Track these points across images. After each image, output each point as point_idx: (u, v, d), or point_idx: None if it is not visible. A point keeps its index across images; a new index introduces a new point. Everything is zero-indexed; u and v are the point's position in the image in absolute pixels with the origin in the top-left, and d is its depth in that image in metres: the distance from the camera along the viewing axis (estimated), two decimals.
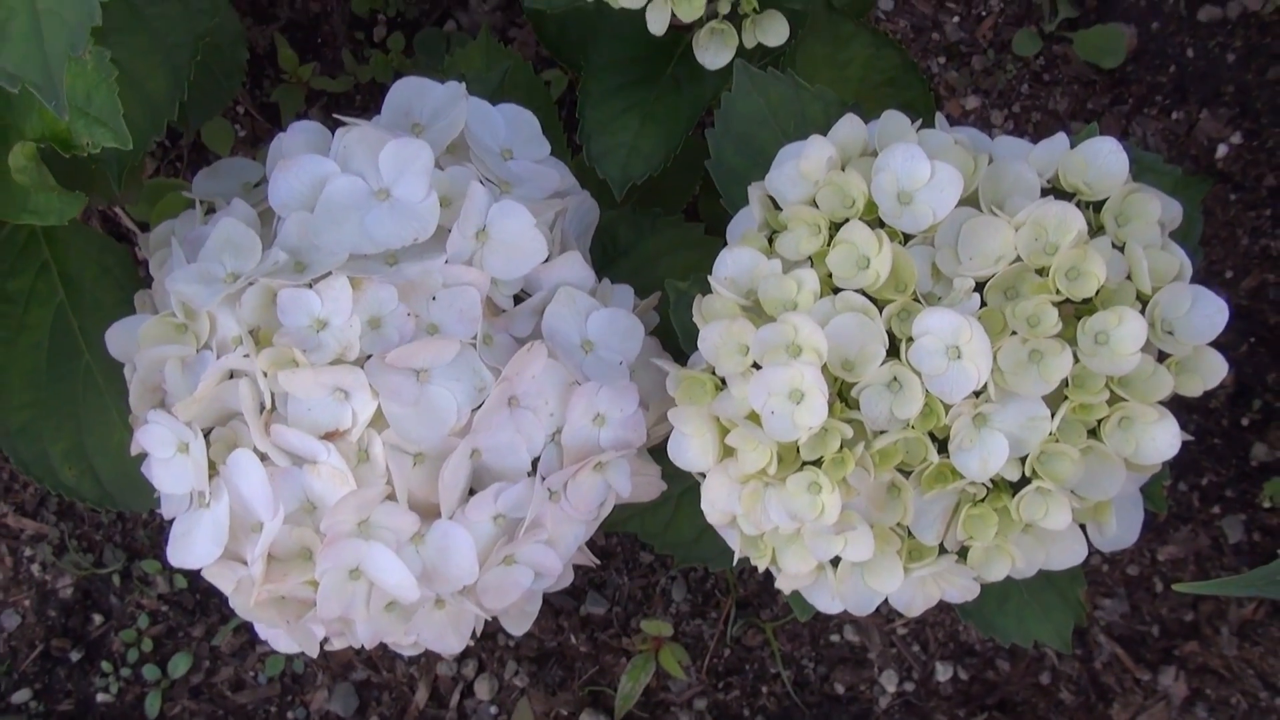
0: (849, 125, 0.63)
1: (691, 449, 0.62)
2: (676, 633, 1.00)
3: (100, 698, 0.99)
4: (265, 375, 0.60)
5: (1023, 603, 0.68)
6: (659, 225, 0.74)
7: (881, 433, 0.59)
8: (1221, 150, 1.10)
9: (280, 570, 0.62)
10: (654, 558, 1.02)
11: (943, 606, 1.01)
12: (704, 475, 0.63)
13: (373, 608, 0.63)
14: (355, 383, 0.60)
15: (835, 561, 0.62)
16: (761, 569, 0.63)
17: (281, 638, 0.67)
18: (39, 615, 1.01)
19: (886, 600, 1.02)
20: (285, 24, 1.10)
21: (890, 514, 0.60)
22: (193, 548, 0.64)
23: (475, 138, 0.65)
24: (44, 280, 0.73)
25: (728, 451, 0.61)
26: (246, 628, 1.01)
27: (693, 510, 0.76)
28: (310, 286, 0.60)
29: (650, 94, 0.74)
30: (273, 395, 0.61)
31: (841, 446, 0.58)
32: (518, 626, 0.70)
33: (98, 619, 1.01)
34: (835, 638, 1.01)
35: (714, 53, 0.71)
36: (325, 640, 0.67)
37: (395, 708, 1.00)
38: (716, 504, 0.62)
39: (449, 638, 0.67)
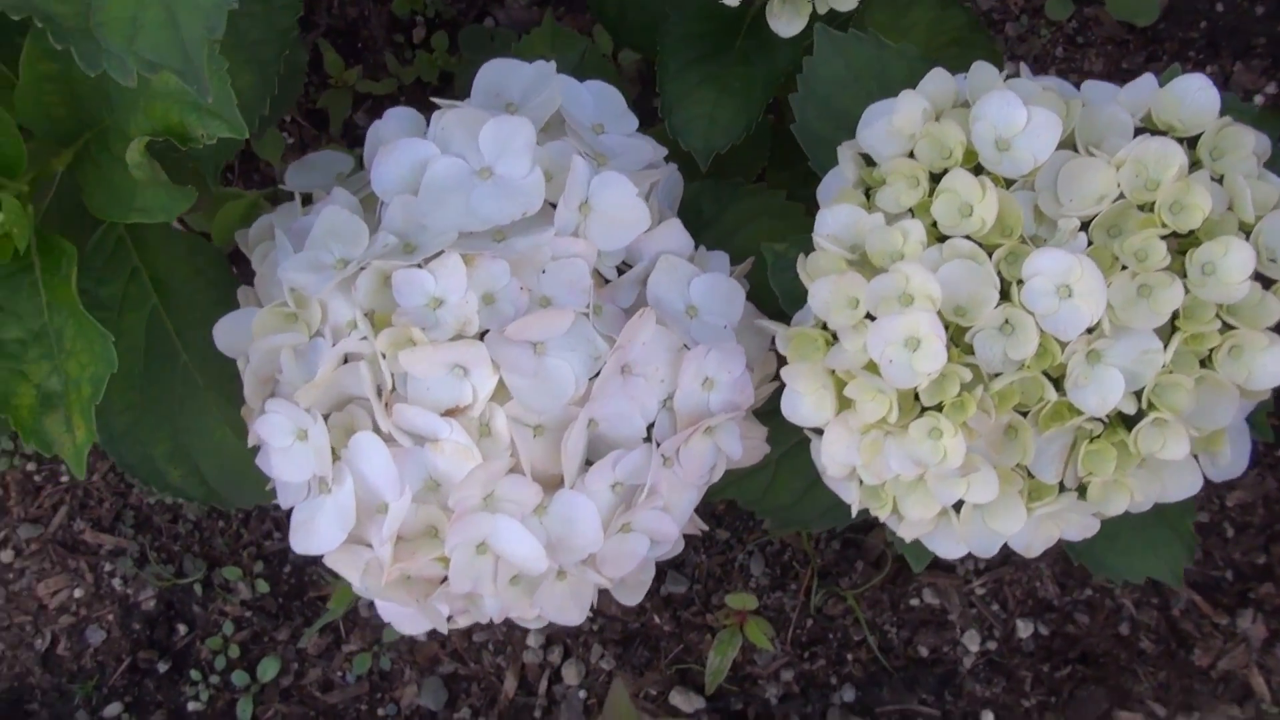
0: (938, 79, 0.64)
1: (805, 405, 0.63)
2: (758, 606, 1.01)
3: (191, 706, 1.00)
4: (384, 356, 0.61)
5: (1133, 540, 0.69)
6: (739, 194, 0.75)
7: (997, 375, 0.60)
8: (1258, 100, 1.11)
9: (408, 549, 0.63)
10: (730, 535, 1.03)
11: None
12: (817, 432, 0.64)
13: (499, 582, 0.64)
14: (476, 358, 0.60)
15: (957, 507, 0.62)
16: (884, 518, 0.63)
17: (409, 619, 0.68)
18: (124, 629, 1.01)
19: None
20: (325, 30, 1.11)
21: (1009, 455, 0.61)
22: (316, 534, 0.64)
23: (569, 114, 0.66)
24: (135, 285, 0.74)
25: (844, 404, 0.62)
26: (332, 628, 1.01)
27: (791, 474, 0.77)
28: (422, 266, 0.61)
29: (722, 67, 0.75)
30: (392, 376, 0.61)
31: (960, 390, 0.59)
32: (632, 596, 0.71)
33: (182, 629, 1.01)
34: (915, 602, 1.02)
35: (787, 20, 0.72)
36: (450, 619, 0.68)
37: (485, 698, 1.00)
38: (836, 457, 0.62)
39: (570, 609, 0.67)
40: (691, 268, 0.66)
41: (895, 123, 0.64)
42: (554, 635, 1.01)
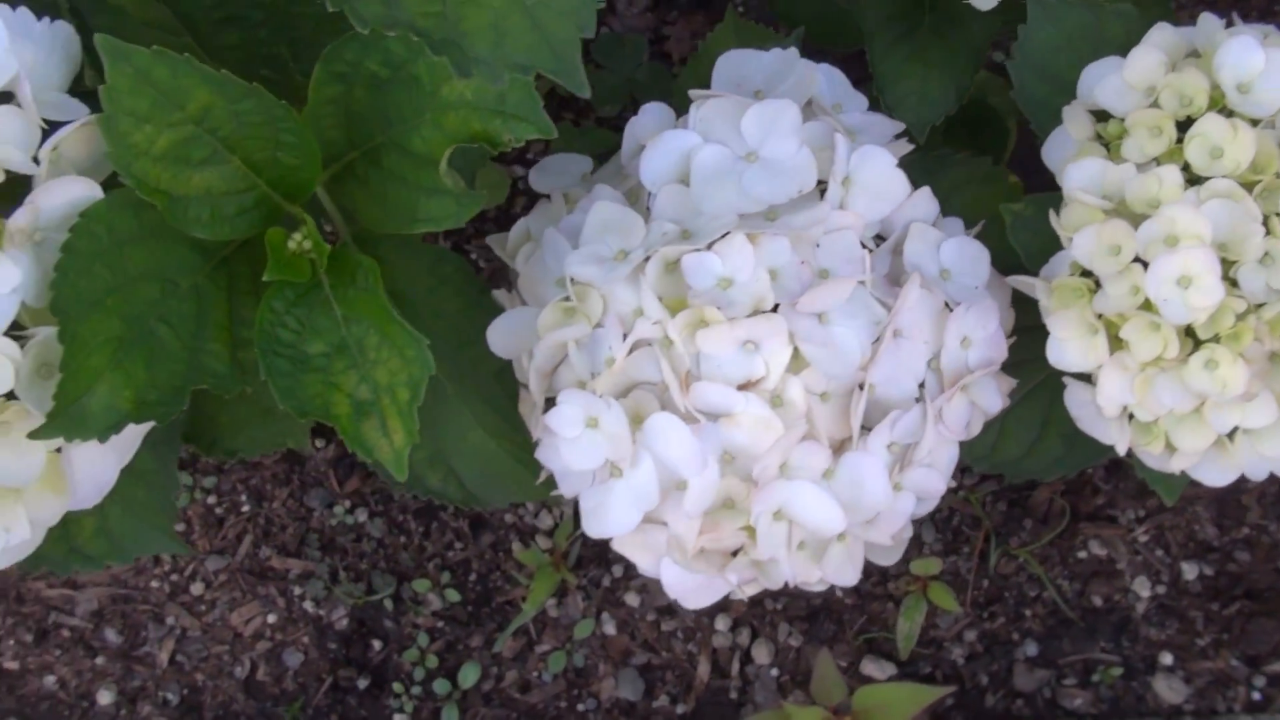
0: (1163, 32, 0.68)
1: (1071, 351, 0.66)
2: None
3: (396, 718, 1.01)
4: (678, 339, 0.64)
5: None
6: (948, 164, 0.78)
7: (1261, 305, 0.63)
8: None
9: (711, 521, 0.65)
10: None
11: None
12: (1079, 377, 0.67)
13: (791, 548, 0.67)
14: (770, 332, 0.63)
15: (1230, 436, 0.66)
16: (1157, 451, 0.66)
17: (697, 592, 0.70)
18: (320, 649, 1.03)
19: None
20: None
21: (1275, 381, 0.64)
22: (610, 518, 0.67)
23: (817, 94, 0.69)
24: None
25: (1116, 346, 0.65)
26: (524, 630, 1.03)
27: (1019, 426, 0.80)
28: (708, 249, 0.64)
29: (921, 44, 0.78)
30: (684, 358, 0.64)
31: (1235, 321, 0.62)
32: (891, 556, 0.74)
33: (377, 645, 1.03)
34: (1082, 554, 1.05)
35: None
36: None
37: (681, 685, 1.03)
38: (1112, 397, 0.65)
39: (847, 570, 0.70)
40: (939, 233, 0.69)
41: (1129, 77, 0.67)
42: (740, 617, 1.04)
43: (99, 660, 1.02)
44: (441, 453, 0.76)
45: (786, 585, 0.95)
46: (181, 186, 0.61)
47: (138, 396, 0.59)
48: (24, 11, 0.59)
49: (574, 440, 0.67)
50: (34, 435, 0.58)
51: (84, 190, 0.59)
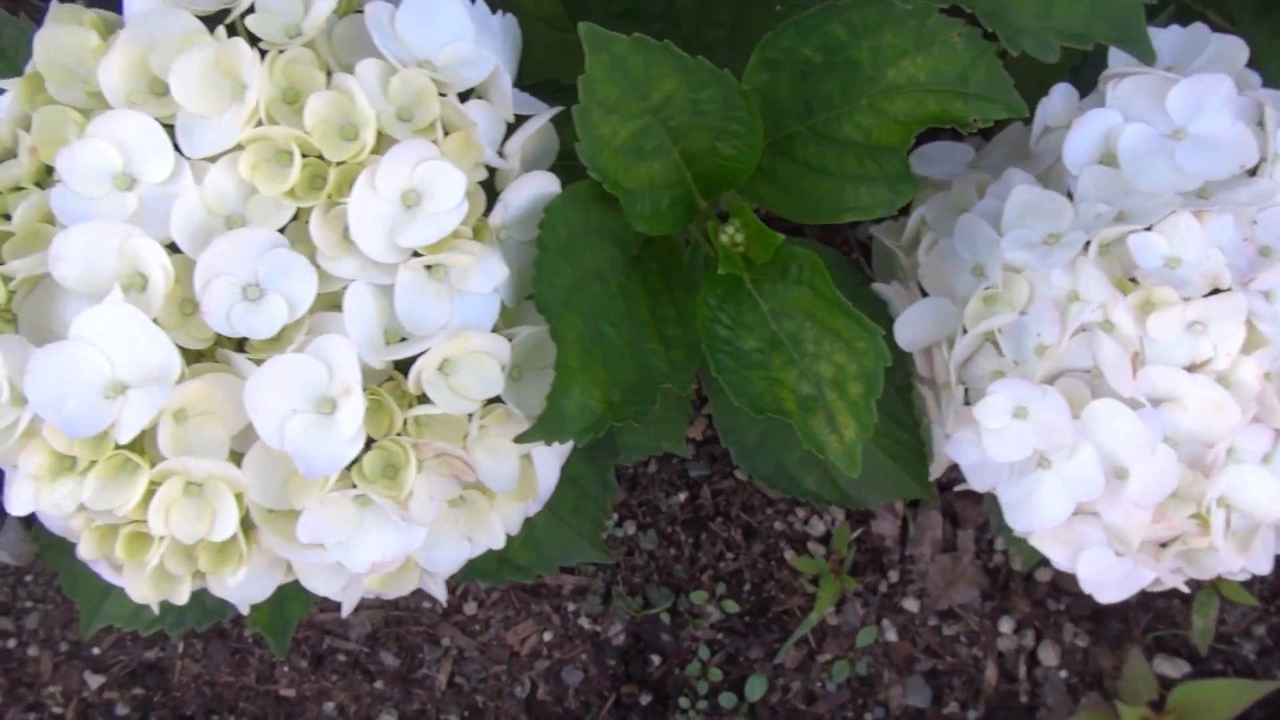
0: None
1: None
2: None
3: None
4: (1125, 322, 0.62)
5: None
6: None
7: None
8: None
9: (1158, 511, 0.63)
10: None
11: None
12: None
13: (1214, 534, 0.65)
14: (1224, 311, 0.61)
15: None
16: None
17: (1114, 586, 0.68)
18: (600, 666, 1.01)
19: None
20: None
21: None
22: (1039, 511, 0.65)
23: (1242, 70, 0.67)
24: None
25: None
26: (805, 640, 1.01)
27: None
28: (1148, 230, 0.62)
29: None
30: (1132, 340, 0.62)
31: None
32: None
33: (656, 659, 1.01)
34: None
35: None
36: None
37: (969, 690, 1.01)
38: None
39: (1264, 559, 0.68)
40: None
41: None
42: (1024, 619, 1.02)
43: (377, 684, 1.00)
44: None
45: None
46: (630, 179, 0.60)
47: (605, 397, 0.57)
48: (481, 4, 0.57)
49: (999, 431, 0.65)
50: (521, 439, 0.56)
51: (547, 185, 0.58)
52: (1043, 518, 0.65)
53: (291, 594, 0.62)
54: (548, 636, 1.01)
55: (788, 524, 1.03)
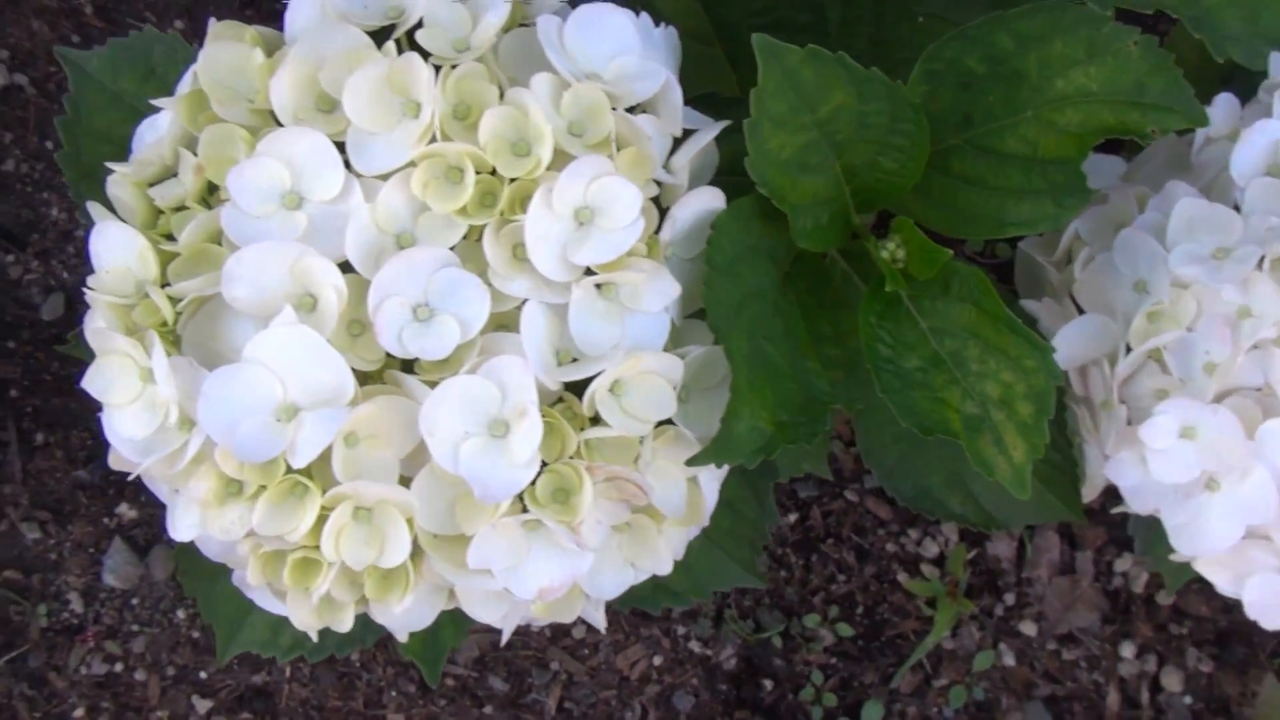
0: None
1: None
2: None
3: None
4: None
5: None
6: None
7: None
8: None
9: None
10: None
11: None
12: None
13: None
14: None
15: None
16: None
17: None
18: (711, 691, 0.99)
19: None
20: None
21: None
22: (1207, 534, 0.63)
23: None
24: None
25: None
26: (921, 665, 0.99)
27: None
28: None
29: None
30: None
31: None
32: None
33: (768, 684, 0.99)
34: None
35: None
36: None
37: (1090, 716, 0.98)
38: None
39: None
40: None
41: None
42: (1146, 643, 0.99)
43: (486, 709, 0.98)
44: (960, 474, 0.73)
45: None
46: (795, 195, 0.58)
47: (774, 418, 0.56)
48: (645, 17, 0.56)
49: (1166, 452, 0.63)
50: (693, 461, 0.54)
51: (713, 201, 0.56)
52: (1211, 542, 0.63)
53: (445, 622, 0.61)
54: (658, 661, 0.99)
55: (900, 545, 1.01)
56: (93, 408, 1.00)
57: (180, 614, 0.99)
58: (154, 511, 1.01)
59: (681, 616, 1.00)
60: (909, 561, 1.01)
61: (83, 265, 1.04)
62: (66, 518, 1.00)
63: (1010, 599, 1.00)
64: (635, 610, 1.00)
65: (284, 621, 0.69)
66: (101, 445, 1.01)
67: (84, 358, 0.71)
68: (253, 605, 0.69)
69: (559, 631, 1.00)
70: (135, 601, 0.99)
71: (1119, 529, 1.00)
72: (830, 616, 1.00)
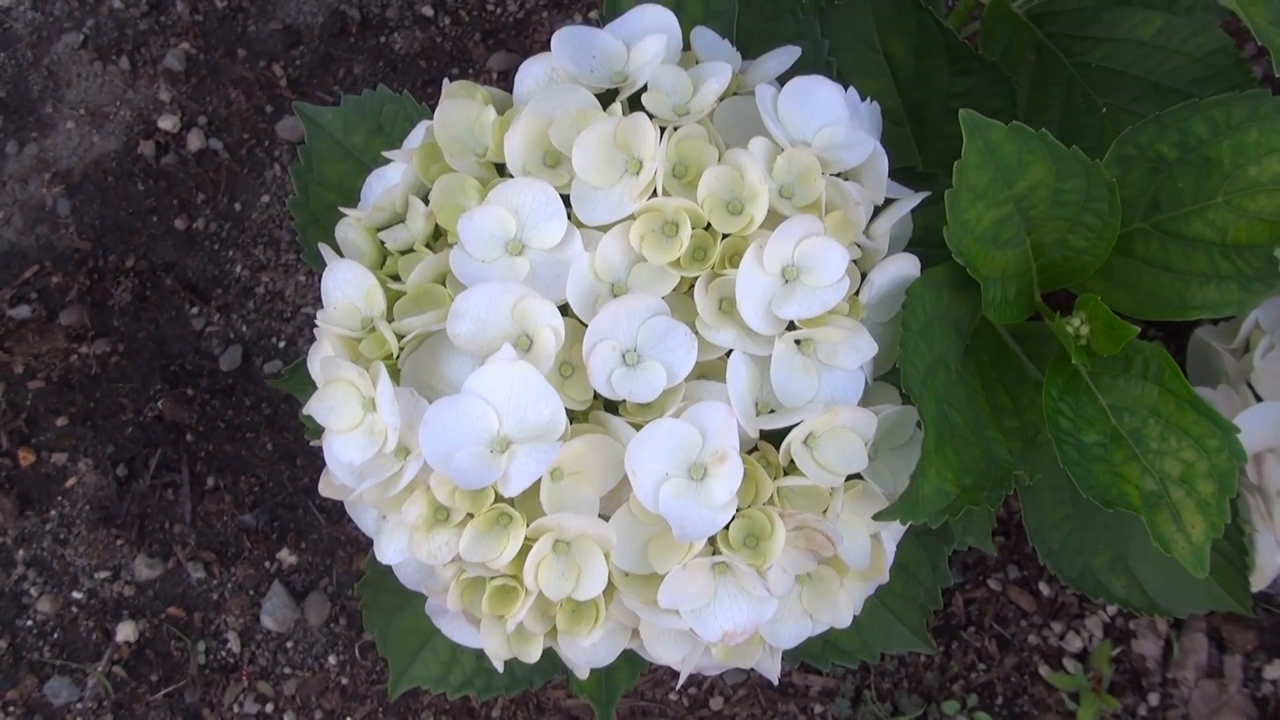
0: None
1: None
2: None
3: None
4: None
5: None
6: None
7: None
8: None
9: None
10: None
11: None
12: None
13: None
14: None
15: None
16: None
17: None
18: None
19: None
20: None
21: None
22: None
23: None
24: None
25: None
26: None
27: None
28: None
29: None
30: None
31: None
32: None
33: None
34: None
35: None
36: None
37: None
38: None
39: None
40: None
41: None
42: None
43: None
44: (1124, 557, 0.73)
45: None
46: (986, 267, 0.60)
47: (958, 480, 0.57)
48: (853, 92, 0.59)
49: None
50: (880, 516, 0.56)
51: (909, 268, 0.58)
52: None
53: (620, 664, 0.63)
54: None
55: (1042, 638, 1.01)
56: (262, 456, 1.05)
57: (331, 659, 1.02)
58: (313, 559, 1.05)
59: (820, 695, 1.00)
60: (1051, 654, 1.00)
61: (261, 320, 1.10)
62: (230, 560, 1.04)
63: (1154, 699, 0.99)
64: (770, 684, 1.00)
65: (455, 659, 0.72)
66: (265, 492, 1.05)
67: (294, 392, 0.76)
68: (426, 643, 0.72)
69: (696, 701, 1.00)
70: (290, 645, 1.03)
71: (1270, 634, 0.98)
72: (969, 705, 1.00)
